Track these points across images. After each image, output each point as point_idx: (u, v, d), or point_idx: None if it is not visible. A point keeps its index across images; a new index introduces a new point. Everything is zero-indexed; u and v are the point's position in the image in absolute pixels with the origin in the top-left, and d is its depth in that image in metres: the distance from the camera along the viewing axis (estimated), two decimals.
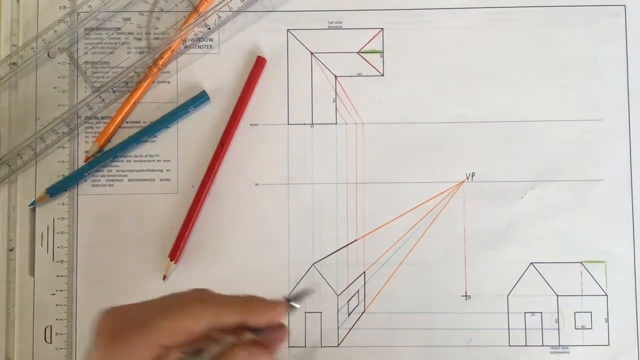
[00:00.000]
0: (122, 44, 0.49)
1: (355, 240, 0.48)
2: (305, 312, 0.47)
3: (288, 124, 0.48)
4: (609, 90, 0.48)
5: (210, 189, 0.48)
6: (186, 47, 0.49)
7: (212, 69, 0.49)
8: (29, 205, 0.48)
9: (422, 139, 0.48)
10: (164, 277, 0.47)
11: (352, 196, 0.48)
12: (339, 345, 0.47)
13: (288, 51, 0.49)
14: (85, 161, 0.48)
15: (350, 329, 0.47)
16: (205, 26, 0.49)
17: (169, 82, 0.49)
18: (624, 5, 0.49)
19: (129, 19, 0.49)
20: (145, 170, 0.48)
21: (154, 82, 0.49)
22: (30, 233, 0.48)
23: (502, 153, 0.48)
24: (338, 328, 0.47)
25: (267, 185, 0.48)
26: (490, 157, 0.48)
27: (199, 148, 0.48)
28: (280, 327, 0.35)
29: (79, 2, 0.49)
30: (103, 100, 0.48)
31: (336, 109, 0.48)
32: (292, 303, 0.35)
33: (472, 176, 0.48)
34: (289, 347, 0.47)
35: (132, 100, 0.48)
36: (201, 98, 0.48)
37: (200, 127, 0.48)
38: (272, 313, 0.35)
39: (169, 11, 0.49)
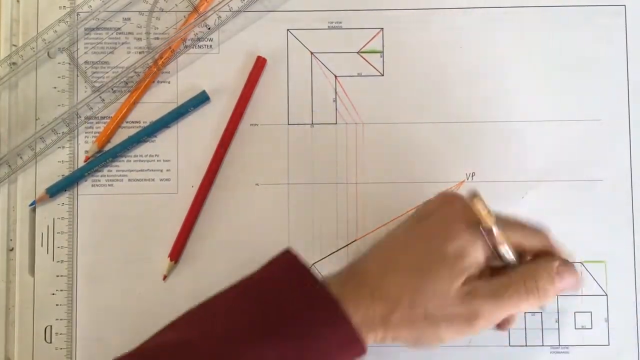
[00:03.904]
0: (122, 44, 0.49)
1: (355, 240, 0.48)
2: None
3: (288, 124, 0.48)
4: (609, 90, 0.48)
5: (210, 189, 0.48)
6: (186, 47, 0.49)
7: (212, 69, 0.49)
8: (29, 205, 0.48)
9: (422, 139, 0.48)
10: (164, 277, 0.47)
11: (352, 196, 0.48)
12: None
13: (288, 51, 0.49)
14: (85, 161, 0.48)
15: None
16: (205, 26, 0.49)
17: (169, 82, 0.49)
18: (624, 5, 0.49)
19: (129, 19, 0.49)
20: (145, 170, 0.48)
21: (154, 82, 0.49)
22: (30, 233, 0.48)
23: (502, 153, 0.48)
24: None
25: (267, 185, 0.48)
26: (490, 157, 0.48)
27: (199, 148, 0.48)
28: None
29: (79, 2, 0.49)
30: (103, 100, 0.48)
31: (336, 109, 0.48)
32: None
33: (472, 176, 0.48)
34: None
35: (132, 100, 0.48)
36: (201, 98, 0.48)
37: (200, 127, 0.48)
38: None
39: (169, 11, 0.49)
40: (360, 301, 0.38)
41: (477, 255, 0.39)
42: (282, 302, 0.38)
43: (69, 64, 0.49)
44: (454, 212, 0.40)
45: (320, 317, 0.37)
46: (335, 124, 0.48)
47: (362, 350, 0.38)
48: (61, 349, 0.47)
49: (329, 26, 0.49)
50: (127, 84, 0.48)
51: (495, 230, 0.38)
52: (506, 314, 0.39)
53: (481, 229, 0.38)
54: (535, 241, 0.40)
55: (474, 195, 0.38)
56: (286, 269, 0.40)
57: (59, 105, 0.48)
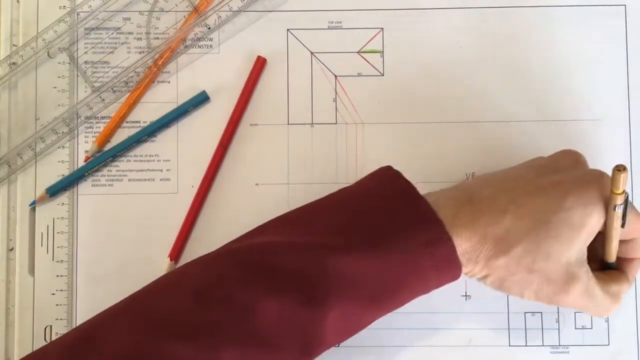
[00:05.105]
0: (122, 44, 0.49)
1: None
2: None
3: (288, 124, 0.48)
4: (609, 90, 0.48)
5: (210, 189, 0.48)
6: (186, 47, 0.49)
7: (212, 69, 0.49)
8: (29, 205, 0.48)
9: (421, 139, 0.48)
10: None
11: None
12: (338, 345, 0.47)
13: (288, 51, 0.49)
14: (85, 161, 0.48)
15: None
16: (205, 26, 0.49)
17: (169, 82, 0.49)
18: (624, 5, 0.49)
19: (129, 19, 0.49)
20: (145, 170, 0.48)
21: (154, 82, 0.49)
22: (30, 233, 0.48)
23: (502, 153, 0.48)
24: None
25: (267, 185, 0.48)
26: (490, 157, 0.48)
27: (199, 148, 0.48)
28: None
29: (79, 2, 0.49)
30: (103, 100, 0.48)
31: (336, 109, 0.48)
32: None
33: (472, 176, 0.48)
34: None
35: (132, 100, 0.48)
36: (201, 98, 0.48)
37: (200, 127, 0.48)
38: None
39: (169, 11, 0.49)
40: (472, 236, 0.37)
41: (596, 230, 0.39)
42: (382, 215, 0.37)
43: (69, 64, 0.49)
44: (589, 176, 0.39)
45: (423, 235, 0.37)
46: (335, 124, 0.48)
47: (456, 277, 0.38)
48: None
49: (329, 26, 0.49)
50: (127, 83, 0.48)
51: (620, 211, 0.38)
52: (593, 300, 0.40)
53: (613, 206, 0.38)
54: (635, 232, 0.41)
55: (624, 168, 0.36)
56: (388, 182, 0.39)
57: (59, 105, 0.48)
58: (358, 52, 0.49)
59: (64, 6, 0.49)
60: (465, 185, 0.41)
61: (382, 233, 0.37)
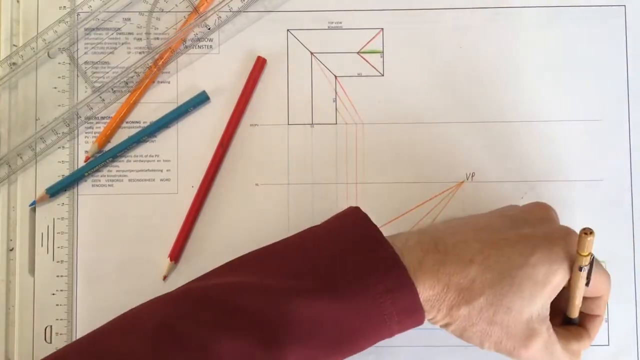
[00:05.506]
0: (122, 44, 0.49)
1: None
2: None
3: (288, 124, 0.48)
4: (609, 90, 0.48)
5: (210, 189, 0.48)
6: (186, 47, 0.49)
7: (212, 69, 0.49)
8: (29, 205, 0.48)
9: (422, 139, 0.48)
10: (164, 277, 0.47)
11: (352, 196, 0.48)
12: None
13: (288, 51, 0.49)
14: (85, 161, 0.48)
15: None
16: (205, 26, 0.49)
17: (169, 82, 0.49)
18: (624, 5, 0.49)
19: (129, 19, 0.49)
20: (145, 170, 0.48)
21: (154, 82, 0.49)
22: (30, 233, 0.48)
23: (502, 153, 0.48)
24: None
25: (267, 185, 0.48)
26: (490, 157, 0.48)
27: (199, 148, 0.48)
28: None
29: (79, 2, 0.49)
30: (103, 100, 0.48)
31: (336, 109, 0.48)
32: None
33: (472, 176, 0.48)
34: None
35: (132, 100, 0.48)
36: (201, 98, 0.48)
37: (200, 127, 0.48)
38: None
39: (169, 11, 0.49)
40: (435, 284, 0.37)
41: (560, 287, 0.39)
42: (346, 259, 0.37)
43: (69, 64, 0.49)
44: (557, 234, 0.39)
45: (386, 281, 0.37)
46: (335, 124, 0.48)
47: (419, 323, 0.38)
48: None
49: (329, 26, 0.49)
50: (127, 84, 0.48)
51: (584, 272, 0.38)
52: (553, 356, 0.40)
53: (578, 266, 0.38)
54: (599, 291, 0.41)
55: (591, 232, 0.37)
56: (355, 225, 0.39)
57: (59, 105, 0.48)
58: (358, 53, 0.49)
59: (64, 6, 0.49)
60: (433, 230, 0.40)
61: (345, 278, 0.37)
